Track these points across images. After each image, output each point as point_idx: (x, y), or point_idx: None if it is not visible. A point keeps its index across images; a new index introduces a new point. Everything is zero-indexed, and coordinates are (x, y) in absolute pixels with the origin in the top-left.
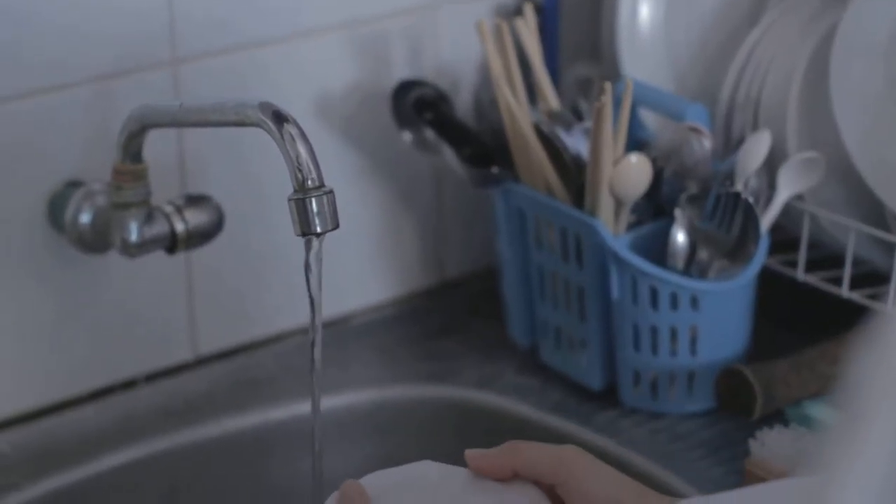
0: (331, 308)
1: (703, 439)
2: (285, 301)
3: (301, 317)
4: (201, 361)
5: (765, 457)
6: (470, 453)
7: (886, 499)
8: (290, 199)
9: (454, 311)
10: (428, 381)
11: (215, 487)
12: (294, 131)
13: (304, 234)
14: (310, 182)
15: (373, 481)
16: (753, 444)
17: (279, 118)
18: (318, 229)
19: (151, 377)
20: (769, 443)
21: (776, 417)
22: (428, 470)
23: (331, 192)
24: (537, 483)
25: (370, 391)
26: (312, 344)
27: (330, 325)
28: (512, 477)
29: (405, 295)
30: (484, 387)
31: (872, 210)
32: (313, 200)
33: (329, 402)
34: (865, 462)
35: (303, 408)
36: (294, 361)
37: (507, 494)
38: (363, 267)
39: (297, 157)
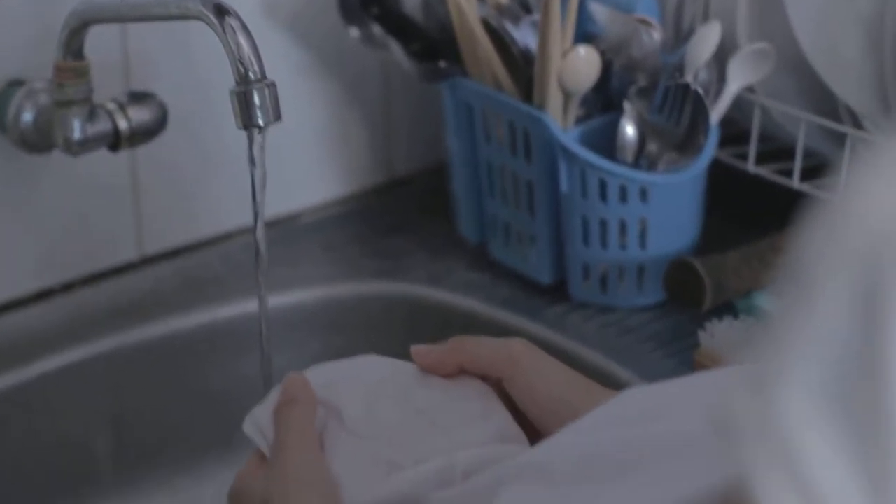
0: (279, 206)
1: (653, 332)
2: (232, 199)
3: (248, 216)
4: (147, 261)
5: (714, 348)
6: (416, 349)
7: (831, 384)
8: (231, 92)
9: (403, 209)
10: (377, 278)
11: (162, 387)
12: (235, 24)
13: (246, 127)
14: (251, 75)
15: (317, 374)
16: (703, 336)
17: (220, 11)
18: (261, 122)
19: (97, 277)
20: (718, 334)
21: (726, 309)
22: (374, 364)
23: (273, 84)
24: (484, 378)
25: (319, 289)
26: (256, 238)
27: (278, 224)
28: (458, 373)
29: (354, 193)
30: (434, 283)
31: (823, 101)
32: (255, 93)
33: (277, 301)
34: (809, 347)
35: (250, 306)
36: (241, 260)
37: (453, 390)
38: (311, 165)
39: (239, 49)
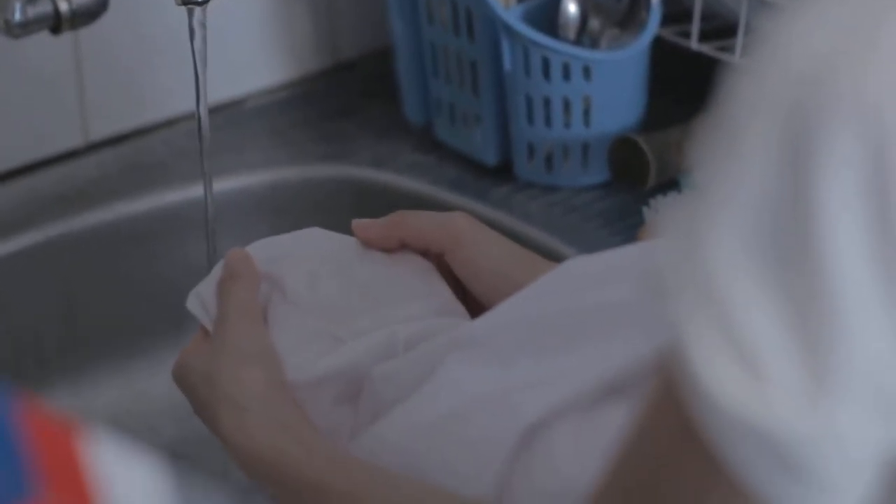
0: (223, 91)
1: (599, 210)
2: (177, 84)
3: (191, 100)
4: (92, 147)
5: (658, 222)
6: (357, 223)
7: (759, 228)
8: None
9: (349, 93)
10: (323, 162)
11: (109, 274)
12: None
13: (185, 3)
14: None
15: (260, 249)
16: (648, 212)
17: None
18: None
19: (42, 164)
20: (663, 210)
21: (670, 186)
22: (316, 238)
23: None
24: (425, 253)
25: (265, 173)
26: (199, 118)
27: (223, 109)
28: (400, 247)
29: (299, 77)
30: (380, 166)
31: None
32: None
33: (223, 185)
34: (736, 193)
35: (196, 191)
36: (187, 145)
37: (394, 266)
38: (255, 49)
39: None
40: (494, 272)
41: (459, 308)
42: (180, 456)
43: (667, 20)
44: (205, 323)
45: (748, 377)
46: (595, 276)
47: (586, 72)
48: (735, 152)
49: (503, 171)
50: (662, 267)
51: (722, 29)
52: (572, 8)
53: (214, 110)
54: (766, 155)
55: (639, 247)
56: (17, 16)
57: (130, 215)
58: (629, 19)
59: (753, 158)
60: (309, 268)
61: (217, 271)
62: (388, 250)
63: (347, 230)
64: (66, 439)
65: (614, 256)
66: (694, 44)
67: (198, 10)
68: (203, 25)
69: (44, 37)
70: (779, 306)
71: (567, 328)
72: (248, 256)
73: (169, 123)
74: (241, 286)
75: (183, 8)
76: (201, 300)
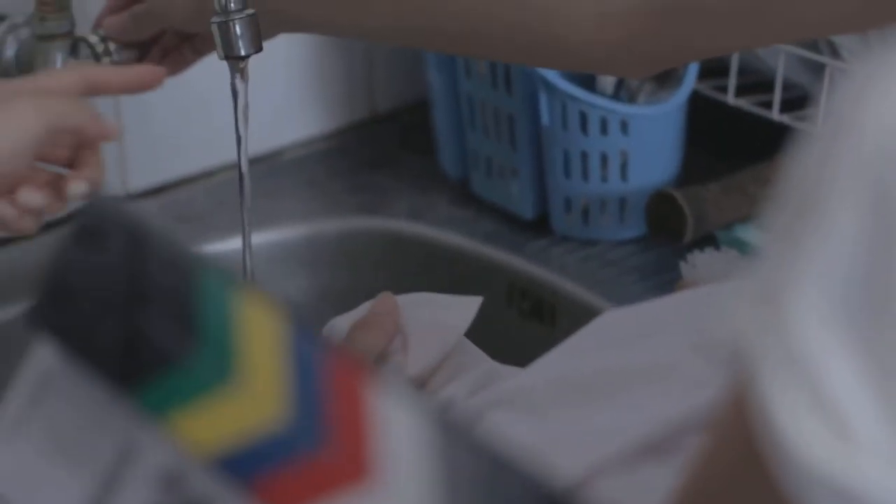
0: (262, 143)
1: (636, 265)
2: (216, 136)
3: (232, 152)
4: (132, 198)
5: (696, 279)
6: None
7: (845, 291)
8: (213, 23)
9: (386, 145)
10: (360, 214)
11: None
12: None
13: (227, 58)
14: (232, 4)
15: (410, 302)
16: (685, 267)
17: None
18: (242, 52)
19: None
20: (700, 265)
21: (707, 241)
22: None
23: (253, 14)
24: None
25: (302, 225)
26: (240, 170)
27: (262, 161)
28: None
29: (336, 129)
30: (416, 218)
31: None
32: (236, 23)
33: (261, 237)
34: (819, 256)
35: (235, 242)
36: (225, 196)
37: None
38: (293, 102)
39: None
40: None
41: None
42: None
43: (703, 74)
44: None
45: (834, 436)
46: (631, 330)
47: (624, 126)
48: (815, 216)
49: (540, 225)
50: (736, 324)
51: (759, 83)
52: None
53: (253, 161)
54: (849, 216)
55: (674, 299)
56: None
57: None
58: (666, 74)
59: (836, 220)
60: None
61: (362, 309)
62: None
63: (384, 282)
64: (357, 386)
65: (650, 309)
66: (731, 98)
67: (240, 66)
68: (245, 81)
69: None
70: (864, 365)
71: (605, 385)
72: (395, 307)
73: (208, 175)
74: (375, 335)
75: (222, 61)
76: (333, 330)
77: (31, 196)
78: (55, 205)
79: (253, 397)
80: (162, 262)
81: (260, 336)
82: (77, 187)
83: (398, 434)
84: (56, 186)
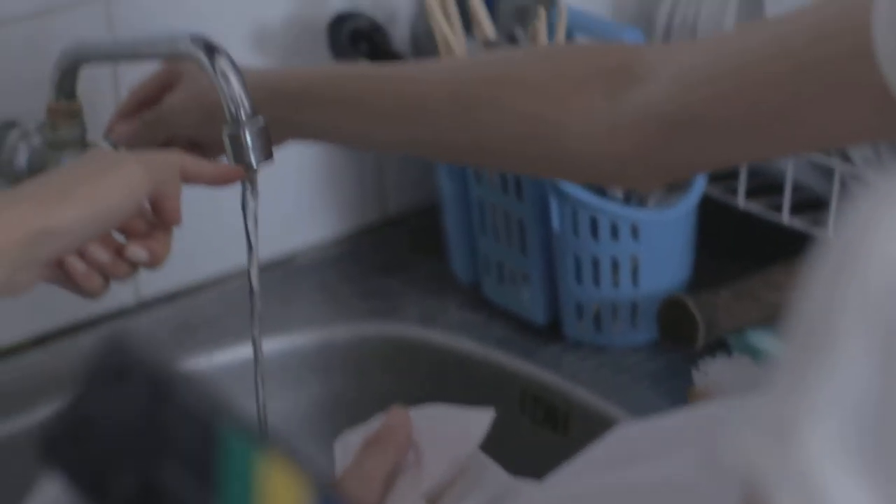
0: (273, 248)
1: (648, 371)
2: (227, 242)
3: (242, 257)
4: (143, 305)
5: (708, 386)
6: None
7: (856, 427)
8: (224, 134)
9: (397, 248)
10: (371, 319)
11: None
12: (226, 63)
13: None
14: (243, 115)
15: (421, 416)
16: (696, 375)
17: (211, 50)
18: (253, 162)
19: (94, 321)
20: (712, 372)
21: (719, 346)
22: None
23: (264, 124)
24: None
25: (314, 331)
26: (250, 280)
27: (273, 266)
28: None
29: (347, 233)
30: (427, 323)
31: None
32: (247, 133)
33: (273, 344)
34: (837, 384)
35: (247, 349)
36: (237, 303)
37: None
38: (304, 207)
39: (229, 89)
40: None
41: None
42: None
43: (713, 177)
44: (337, 468)
45: None
46: (644, 447)
47: (634, 231)
48: (825, 347)
49: (552, 331)
50: (746, 453)
51: (769, 186)
52: None
53: (264, 267)
54: (859, 351)
55: (688, 415)
56: None
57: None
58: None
59: (846, 354)
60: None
61: (374, 423)
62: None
63: (395, 387)
64: None
65: (663, 425)
66: (741, 201)
67: (251, 176)
68: (255, 191)
69: None
70: (875, 500)
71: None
72: (407, 421)
73: (219, 281)
74: (387, 450)
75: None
76: (345, 446)
77: (100, 252)
78: (120, 267)
79: None
80: (183, 412)
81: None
82: (138, 252)
83: None
84: (122, 253)
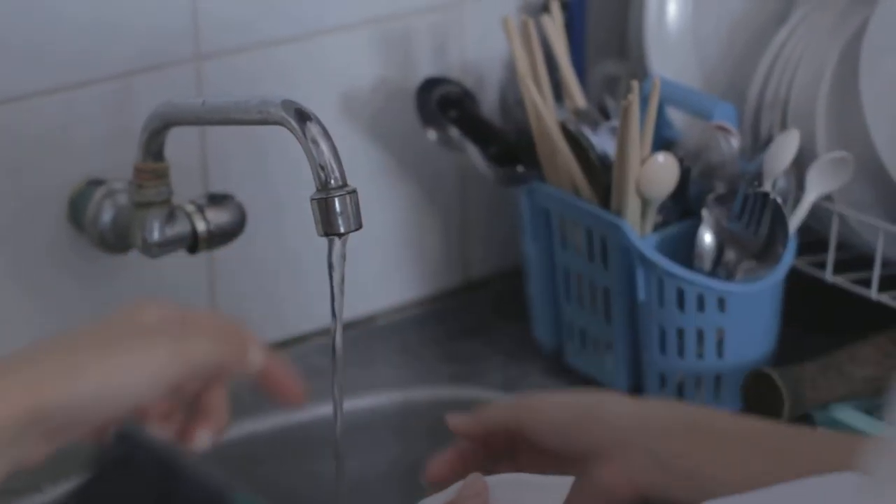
0: (355, 308)
1: None
2: (307, 301)
3: (324, 318)
4: None
5: None
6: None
7: None
8: (312, 199)
9: (479, 312)
10: (452, 383)
11: (235, 489)
12: (317, 130)
13: (326, 235)
14: (332, 181)
15: (500, 484)
16: None
17: (302, 116)
18: (342, 229)
19: None
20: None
21: (804, 421)
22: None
23: (354, 191)
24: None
25: (394, 393)
26: (334, 344)
27: (354, 326)
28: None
29: (430, 295)
30: (509, 389)
31: None
32: (336, 200)
33: (352, 404)
34: None
35: (326, 409)
36: (317, 362)
37: None
38: (387, 267)
39: (320, 156)
40: (568, 423)
41: None
42: None
43: (801, 249)
44: None
45: None
46: None
47: (721, 303)
48: None
49: None
50: None
51: (857, 260)
52: (708, 238)
53: (346, 326)
54: None
55: (774, 491)
56: (156, 235)
57: (260, 432)
58: (765, 251)
59: None
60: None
61: (451, 491)
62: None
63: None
64: None
65: (750, 501)
66: (829, 276)
67: (338, 242)
68: (343, 257)
69: (180, 254)
70: None
71: None
72: (484, 490)
73: (300, 340)
74: None
75: (314, 226)
76: None
77: (159, 430)
78: (181, 443)
79: None
80: (193, 487)
81: None
82: (202, 438)
83: None
84: (179, 419)
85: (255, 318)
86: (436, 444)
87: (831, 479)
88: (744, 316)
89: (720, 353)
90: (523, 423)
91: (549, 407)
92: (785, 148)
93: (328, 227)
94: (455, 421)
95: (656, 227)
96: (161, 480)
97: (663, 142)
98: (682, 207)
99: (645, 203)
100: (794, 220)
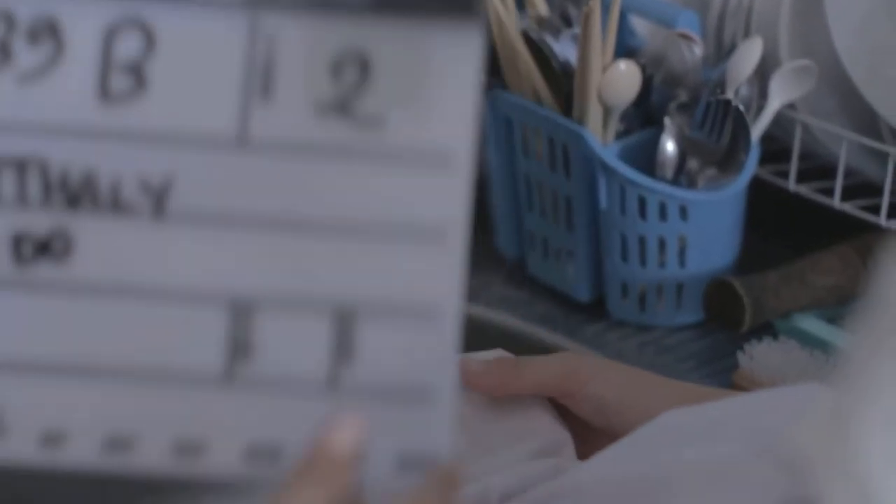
0: None
1: (692, 352)
2: None
3: None
4: None
5: (753, 370)
6: (469, 369)
7: None
8: None
9: None
10: None
11: None
12: None
13: None
14: None
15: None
16: (742, 357)
17: None
18: None
19: None
20: (758, 356)
21: (765, 329)
22: None
23: None
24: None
25: None
26: None
27: None
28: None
29: None
30: (471, 299)
31: (865, 119)
32: None
33: None
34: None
35: None
36: None
37: (495, 407)
38: None
39: None
40: (621, 402)
41: (565, 440)
42: None
43: (764, 159)
44: None
45: None
46: (692, 430)
47: (683, 212)
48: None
49: (595, 309)
50: (803, 443)
51: (820, 169)
52: (670, 147)
53: None
54: None
55: (733, 401)
56: None
57: None
58: (727, 159)
59: None
60: None
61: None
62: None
63: None
64: None
65: (712, 410)
66: (791, 184)
67: None
68: None
69: None
70: None
71: (662, 485)
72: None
73: None
74: None
75: None
76: None
77: None
78: None
79: None
80: None
81: None
82: None
83: None
84: None
85: None
86: None
87: (794, 388)
88: (706, 225)
89: (682, 262)
90: (570, 396)
91: (607, 377)
92: (748, 56)
93: None
94: (477, 375)
95: (618, 136)
96: None
97: (626, 50)
98: (644, 116)
99: (607, 111)
100: (757, 129)
